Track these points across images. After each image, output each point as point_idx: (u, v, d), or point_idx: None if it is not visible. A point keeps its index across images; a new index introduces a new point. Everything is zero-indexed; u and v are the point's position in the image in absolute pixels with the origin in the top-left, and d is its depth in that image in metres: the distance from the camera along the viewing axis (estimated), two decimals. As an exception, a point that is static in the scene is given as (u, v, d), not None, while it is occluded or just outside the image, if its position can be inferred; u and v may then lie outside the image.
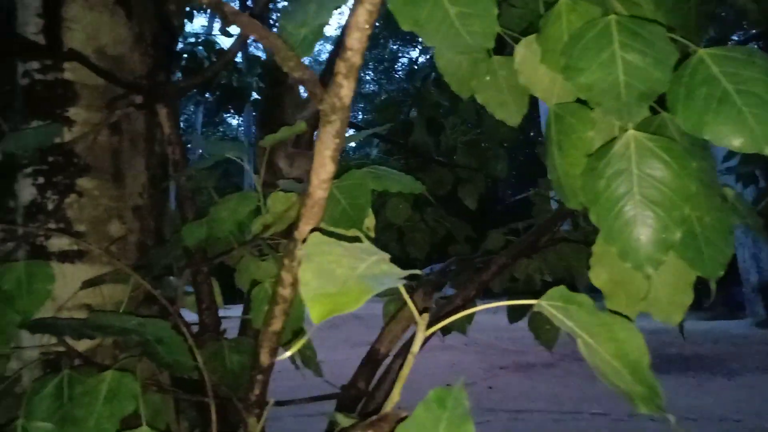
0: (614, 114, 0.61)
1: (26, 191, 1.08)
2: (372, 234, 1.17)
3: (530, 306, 0.77)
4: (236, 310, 1.34)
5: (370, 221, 1.19)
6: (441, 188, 2.72)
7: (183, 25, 1.56)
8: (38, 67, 1.10)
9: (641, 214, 0.65)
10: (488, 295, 1.79)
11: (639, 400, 0.55)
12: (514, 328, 2.12)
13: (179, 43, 3.32)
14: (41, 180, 1.07)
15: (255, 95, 4.45)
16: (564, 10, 0.72)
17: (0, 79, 1.17)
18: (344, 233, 1.07)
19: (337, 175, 2.29)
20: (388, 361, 1.43)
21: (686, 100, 0.60)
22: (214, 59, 4.33)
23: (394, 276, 0.50)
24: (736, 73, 0.59)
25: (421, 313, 0.61)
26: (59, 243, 1.07)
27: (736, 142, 0.58)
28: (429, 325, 0.62)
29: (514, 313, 1.82)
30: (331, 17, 0.63)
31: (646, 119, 0.72)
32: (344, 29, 0.71)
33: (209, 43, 4.19)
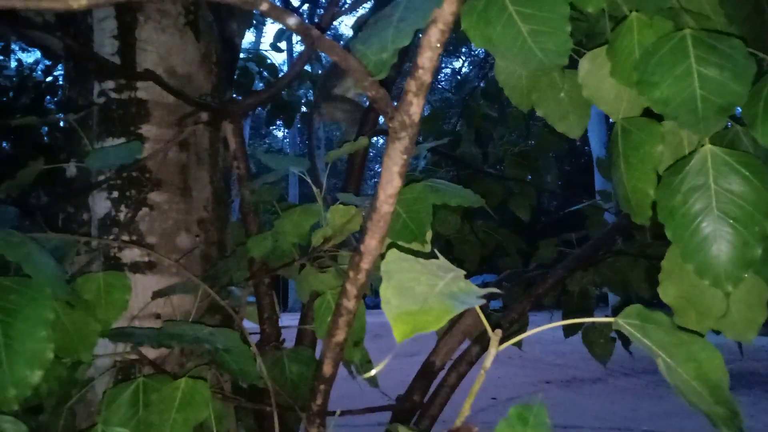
0: (691, 128, 0.61)
1: (101, 205, 1.13)
2: (428, 247, 1.18)
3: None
4: (287, 318, 1.37)
5: (427, 234, 1.19)
6: (491, 200, 2.71)
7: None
8: (113, 87, 1.16)
9: (720, 230, 0.64)
10: (539, 307, 1.77)
11: (719, 421, 0.54)
12: (560, 341, 2.09)
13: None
14: (115, 194, 1.12)
15: (304, 109, 4.53)
16: (636, 24, 0.71)
17: (78, 98, 1.23)
18: (412, 248, 1.08)
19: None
20: (442, 373, 1.43)
21: (765, 114, 0.59)
22: (265, 74, 4.44)
23: (473, 294, 0.51)
24: (819, 88, 0.57)
25: (493, 329, 0.62)
26: (131, 254, 1.11)
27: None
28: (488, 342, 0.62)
29: (570, 328, 1.79)
30: (410, 40, 0.64)
31: (718, 133, 0.71)
32: (420, 45, 0.73)
33: (261, 58, 4.28)
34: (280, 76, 4.54)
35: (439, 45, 0.71)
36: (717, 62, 0.61)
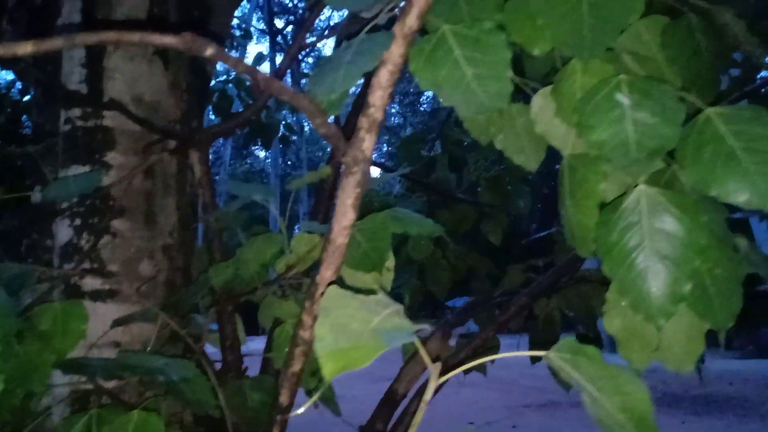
0: (625, 170, 0.64)
1: (63, 232, 1.13)
2: (391, 274, 1.20)
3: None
4: (260, 342, 1.37)
5: (389, 262, 1.21)
6: (464, 224, 2.74)
7: (214, 71, 1.63)
8: (80, 114, 1.17)
9: (652, 267, 0.67)
10: (508, 330, 1.79)
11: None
12: (537, 365, 2.11)
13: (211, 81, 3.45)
14: (78, 221, 1.12)
15: (283, 130, 4.56)
16: (578, 67, 0.75)
17: (45, 124, 1.24)
18: (362, 285, 1.10)
19: (361, 215, 2.33)
20: (406, 401, 1.44)
21: (694, 157, 0.63)
22: (244, 96, 4.46)
23: (407, 331, 0.53)
24: (742, 131, 0.61)
25: (435, 359, 0.63)
26: (92, 282, 1.12)
27: (742, 198, 0.59)
28: (449, 369, 0.64)
29: (535, 356, 1.81)
30: (357, 82, 0.67)
31: (657, 171, 0.75)
32: (369, 86, 0.75)
33: (240, 81, 4.31)
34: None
35: (389, 85, 0.74)
36: (650, 107, 0.64)
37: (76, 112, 1.17)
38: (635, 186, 0.68)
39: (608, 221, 0.71)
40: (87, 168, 1.14)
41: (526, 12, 0.73)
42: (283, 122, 4.69)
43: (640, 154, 0.63)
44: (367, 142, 0.77)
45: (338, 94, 0.66)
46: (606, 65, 0.74)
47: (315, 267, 1.24)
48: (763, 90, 2.22)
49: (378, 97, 0.74)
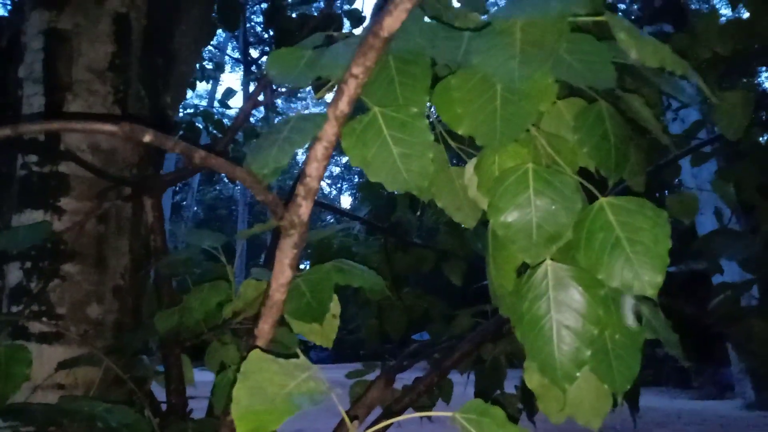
0: (525, 253, 0.71)
1: (13, 275, 1.16)
2: (337, 321, 1.25)
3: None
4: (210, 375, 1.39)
5: (335, 308, 1.26)
6: (423, 266, 2.81)
7: (177, 113, 1.68)
8: (36, 160, 1.21)
9: (557, 335, 0.74)
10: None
11: None
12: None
13: (179, 112, 3.49)
14: (28, 264, 1.15)
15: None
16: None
17: (1, 167, 1.27)
18: (307, 333, 1.15)
19: (319, 256, 2.40)
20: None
21: (587, 242, 0.70)
22: (212, 129, 4.51)
23: (321, 393, 0.58)
24: (628, 222, 0.69)
25: (379, 405, 0.69)
26: (39, 325, 1.14)
27: (626, 284, 0.67)
28: (391, 414, 0.69)
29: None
30: (288, 160, 0.73)
31: (568, 242, 0.82)
32: (306, 158, 0.82)
33: (207, 114, 4.37)
34: (225, 130, 4.63)
35: (323, 158, 0.80)
36: (551, 195, 0.72)
37: (33, 157, 1.21)
38: (543, 260, 0.76)
39: (520, 291, 0.78)
40: (41, 212, 1.18)
41: (449, 98, 0.80)
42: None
43: (540, 239, 0.71)
44: (303, 207, 0.83)
45: (270, 170, 0.72)
46: (521, 148, 0.82)
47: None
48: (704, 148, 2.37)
49: (314, 169, 0.80)
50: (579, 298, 0.74)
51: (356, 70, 0.70)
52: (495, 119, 0.74)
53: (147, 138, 0.57)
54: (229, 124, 5.07)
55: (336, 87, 0.75)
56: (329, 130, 0.77)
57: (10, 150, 1.23)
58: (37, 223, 1.11)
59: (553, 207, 0.71)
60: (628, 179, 1.14)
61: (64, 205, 1.20)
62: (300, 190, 0.83)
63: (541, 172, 0.73)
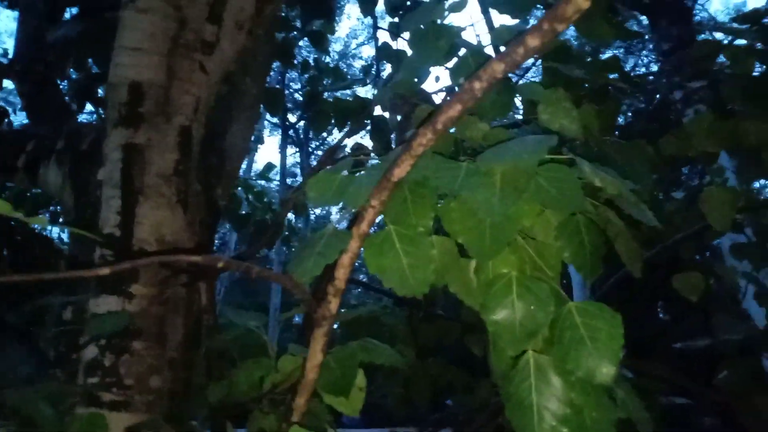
0: (510, 345, 0.88)
1: (89, 350, 1.37)
2: (362, 393, 1.42)
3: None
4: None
5: (362, 381, 1.44)
6: (447, 338, 2.95)
7: (228, 204, 1.92)
8: (111, 253, 1.44)
9: (537, 414, 0.90)
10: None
11: None
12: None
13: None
14: (102, 342, 1.37)
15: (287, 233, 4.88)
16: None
17: (79, 255, 1.51)
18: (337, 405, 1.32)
19: (349, 324, 2.60)
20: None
21: (559, 338, 0.87)
22: (252, 199, 4.81)
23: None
24: (590, 323, 0.86)
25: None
26: (109, 394, 1.34)
27: (588, 373, 0.84)
28: None
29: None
30: (321, 270, 0.93)
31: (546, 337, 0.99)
32: (336, 264, 1.02)
33: (248, 185, 4.68)
34: (264, 200, 4.94)
35: (349, 265, 1.01)
36: (529, 299, 0.90)
37: (108, 251, 1.45)
38: (526, 351, 0.93)
39: (509, 376, 0.95)
40: (114, 298, 1.40)
41: (451, 216, 1.00)
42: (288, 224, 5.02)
43: (522, 334, 0.88)
44: (333, 304, 1.03)
45: (308, 278, 0.93)
46: (510, 255, 1.01)
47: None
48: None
49: (342, 273, 1.01)
50: (556, 383, 0.91)
51: (374, 202, 0.91)
52: (485, 237, 0.93)
53: (220, 264, 0.78)
54: (267, 193, 5.39)
55: (358, 212, 0.96)
56: (354, 245, 0.98)
57: (88, 244, 1.48)
58: (118, 313, 1.33)
59: (532, 308, 0.89)
60: (627, 266, 1.32)
61: (134, 290, 1.42)
62: (330, 289, 1.03)
63: (522, 280, 0.92)
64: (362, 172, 1.05)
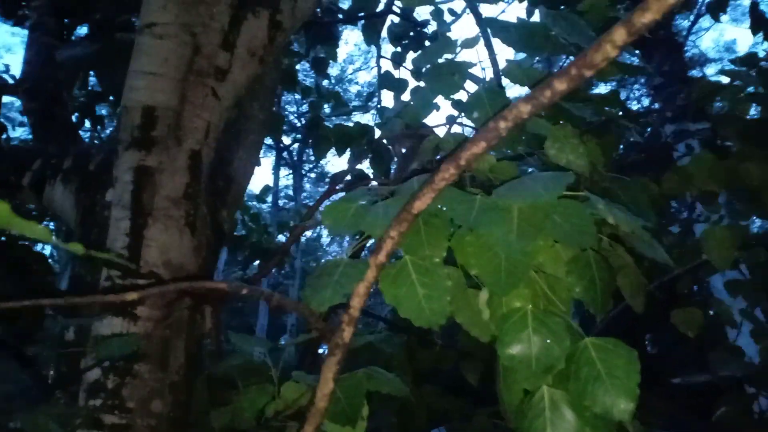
0: (526, 380, 0.89)
1: (92, 372, 1.36)
2: (364, 423, 1.41)
3: None
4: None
5: (364, 411, 1.43)
6: (443, 364, 2.94)
7: (233, 229, 1.92)
8: (119, 274, 1.44)
9: (555, 445, 0.90)
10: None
11: None
12: None
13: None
14: (106, 364, 1.36)
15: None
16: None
17: (85, 276, 1.50)
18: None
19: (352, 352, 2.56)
20: None
21: (575, 373, 0.88)
22: (248, 220, 4.81)
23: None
24: (606, 360, 0.87)
25: None
26: (112, 417, 1.33)
27: (605, 410, 0.84)
28: None
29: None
30: (341, 299, 0.94)
31: (560, 372, 0.99)
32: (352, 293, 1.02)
33: (245, 207, 4.68)
34: (260, 222, 4.94)
35: (364, 294, 1.01)
36: (545, 333, 0.91)
37: (116, 272, 1.44)
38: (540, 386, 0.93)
39: (523, 410, 0.95)
40: (119, 319, 1.39)
41: (465, 249, 1.01)
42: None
43: (539, 368, 0.89)
44: (346, 332, 1.03)
45: (324, 308, 0.93)
46: (523, 290, 1.02)
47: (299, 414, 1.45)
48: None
49: (357, 302, 1.01)
50: (570, 418, 0.91)
51: (393, 233, 0.92)
52: (500, 271, 0.94)
53: (244, 291, 0.78)
54: (261, 215, 5.39)
55: (377, 242, 0.96)
56: (370, 275, 0.98)
57: (95, 265, 1.47)
58: (126, 335, 1.33)
59: (548, 342, 0.90)
60: (629, 300, 1.33)
61: (139, 312, 1.42)
62: (345, 317, 1.03)
63: (537, 314, 0.93)
64: (379, 202, 1.06)
